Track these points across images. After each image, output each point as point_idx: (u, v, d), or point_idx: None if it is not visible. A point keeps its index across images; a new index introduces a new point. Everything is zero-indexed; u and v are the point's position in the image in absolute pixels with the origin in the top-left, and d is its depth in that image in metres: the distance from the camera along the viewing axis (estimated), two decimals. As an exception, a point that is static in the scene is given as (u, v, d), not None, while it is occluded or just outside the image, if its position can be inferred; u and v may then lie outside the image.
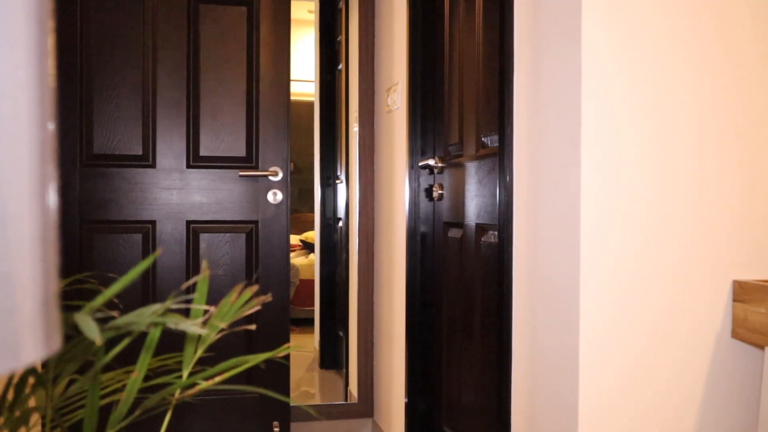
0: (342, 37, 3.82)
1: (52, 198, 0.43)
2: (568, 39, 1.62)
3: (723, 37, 1.63)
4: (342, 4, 3.77)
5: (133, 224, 2.95)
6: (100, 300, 0.62)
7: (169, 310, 0.71)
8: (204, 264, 0.81)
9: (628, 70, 1.58)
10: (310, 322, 5.31)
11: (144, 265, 0.61)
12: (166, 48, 2.97)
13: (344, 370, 3.84)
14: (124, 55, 2.94)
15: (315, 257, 4.76)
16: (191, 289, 2.77)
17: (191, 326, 0.67)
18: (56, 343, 0.43)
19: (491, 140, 2.40)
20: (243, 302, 0.87)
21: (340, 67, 4.06)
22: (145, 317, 0.66)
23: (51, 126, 0.43)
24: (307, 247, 6.36)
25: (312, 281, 5.36)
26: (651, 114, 1.59)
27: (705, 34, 1.62)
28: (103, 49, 2.93)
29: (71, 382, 0.93)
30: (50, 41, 0.45)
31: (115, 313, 0.66)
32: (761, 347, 1.58)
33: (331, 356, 4.49)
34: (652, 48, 1.59)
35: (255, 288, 0.88)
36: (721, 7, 1.63)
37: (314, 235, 4.87)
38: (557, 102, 1.67)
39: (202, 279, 0.78)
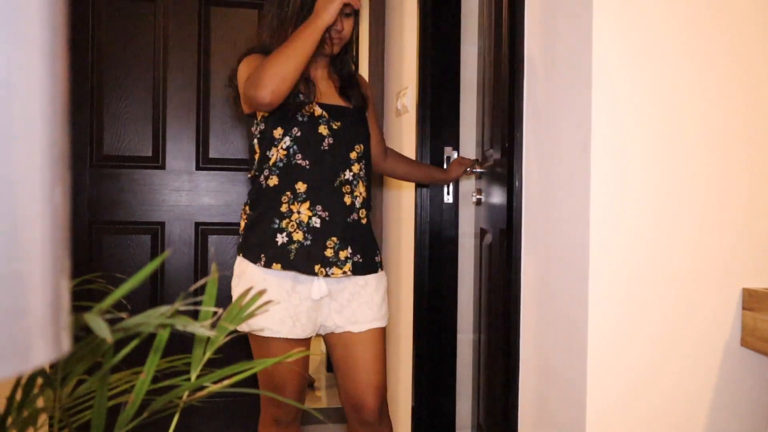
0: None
1: (64, 199, 0.43)
2: (579, 46, 1.62)
3: (734, 47, 1.63)
4: (352, 8, 3.77)
5: (142, 225, 2.96)
6: (109, 300, 0.62)
7: (178, 312, 0.72)
8: (213, 266, 0.81)
9: (638, 79, 1.57)
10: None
11: (152, 266, 0.61)
12: (176, 50, 2.98)
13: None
14: (134, 56, 2.95)
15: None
16: (200, 291, 2.78)
17: (200, 329, 0.67)
18: (66, 345, 0.43)
19: (501, 147, 2.40)
20: (251, 305, 0.87)
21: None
22: (153, 318, 0.66)
23: (63, 127, 0.43)
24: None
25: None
26: (660, 122, 1.59)
27: (716, 45, 1.62)
28: (114, 50, 2.94)
29: (80, 382, 0.93)
30: (63, 42, 0.45)
31: (124, 315, 0.66)
32: (771, 356, 1.57)
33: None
34: (663, 58, 1.59)
35: (264, 291, 0.88)
36: (733, 18, 1.62)
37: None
38: (567, 110, 1.67)
39: (211, 281, 0.78)
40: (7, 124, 0.39)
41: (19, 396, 0.74)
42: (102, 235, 2.93)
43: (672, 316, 1.60)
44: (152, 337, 0.80)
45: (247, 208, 2.07)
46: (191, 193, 2.99)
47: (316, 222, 1.96)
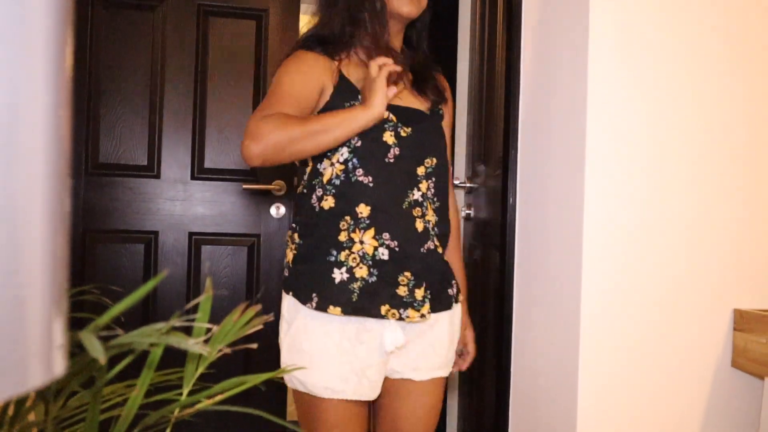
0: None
1: (65, 221, 0.43)
2: (575, 67, 1.63)
3: (729, 70, 1.64)
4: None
5: (136, 234, 2.96)
6: (104, 318, 0.62)
7: (172, 328, 0.72)
8: (208, 282, 0.81)
9: (633, 101, 1.59)
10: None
11: (148, 287, 0.61)
12: (174, 59, 2.99)
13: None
14: (132, 65, 2.96)
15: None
16: (194, 299, 2.77)
17: (194, 346, 0.68)
18: (63, 365, 0.43)
19: (493, 162, 2.41)
20: (245, 322, 0.87)
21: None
22: (147, 336, 0.67)
23: (66, 149, 0.43)
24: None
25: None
26: (653, 144, 1.60)
27: (713, 68, 1.63)
28: (112, 58, 2.94)
29: (72, 394, 0.93)
30: (69, 63, 0.45)
31: (119, 331, 0.66)
32: (761, 377, 1.58)
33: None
34: (658, 80, 1.60)
35: (258, 307, 0.88)
36: (732, 44, 1.64)
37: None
38: (562, 130, 1.68)
39: (206, 298, 0.79)
40: (12, 147, 0.39)
41: (11, 411, 0.74)
42: (95, 243, 2.93)
43: (663, 336, 1.60)
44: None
45: (295, 235, 1.66)
46: (186, 202, 2.99)
47: (384, 254, 1.56)
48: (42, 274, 0.40)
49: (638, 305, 1.59)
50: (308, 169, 1.66)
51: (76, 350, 0.63)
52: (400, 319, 1.55)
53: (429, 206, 1.65)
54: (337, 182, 1.58)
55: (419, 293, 1.58)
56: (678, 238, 1.60)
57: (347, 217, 1.56)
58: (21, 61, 0.42)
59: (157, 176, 2.98)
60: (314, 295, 1.55)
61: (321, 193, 1.60)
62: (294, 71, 1.60)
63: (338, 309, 1.53)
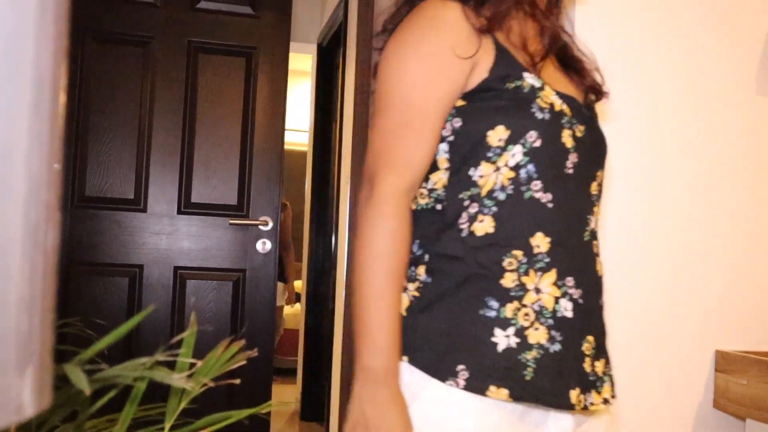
0: (338, 89, 3.88)
1: (54, 255, 0.44)
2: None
3: (722, 105, 1.67)
4: (339, 57, 3.83)
5: (121, 268, 2.95)
6: (89, 352, 0.63)
7: (157, 362, 0.72)
8: (192, 317, 0.82)
9: (618, 140, 1.61)
10: (292, 372, 5.27)
11: (133, 322, 0.62)
12: (163, 95, 3.01)
13: (325, 423, 3.79)
14: (121, 99, 2.98)
15: (301, 307, 4.75)
16: (178, 333, 2.75)
17: (177, 380, 0.68)
18: (48, 399, 0.43)
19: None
20: (229, 357, 0.88)
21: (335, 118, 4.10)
22: (131, 371, 0.67)
23: (57, 187, 0.44)
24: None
25: (296, 331, 5.33)
26: (640, 185, 1.62)
27: (702, 96, 1.66)
28: (102, 92, 2.96)
29: (52, 428, 0.92)
30: (63, 86, 0.46)
31: (103, 366, 0.67)
32: (743, 419, 1.59)
33: (313, 408, 4.44)
34: (645, 118, 1.63)
35: (242, 343, 0.89)
36: (724, 72, 1.67)
37: (301, 284, 4.86)
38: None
39: (190, 334, 0.79)
40: (2, 181, 0.40)
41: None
42: (80, 276, 2.92)
43: (646, 376, 1.61)
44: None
45: (420, 269, 1.08)
46: (171, 236, 2.99)
47: (567, 308, 1.04)
48: (29, 305, 0.40)
49: (622, 345, 1.59)
50: (445, 176, 1.08)
51: (59, 383, 0.63)
52: (585, 407, 1.05)
53: (597, 238, 1.15)
54: (503, 196, 1.04)
55: (599, 366, 1.10)
56: (662, 279, 1.62)
57: (516, 252, 1.03)
58: (15, 96, 0.43)
59: (144, 210, 2.98)
60: (461, 367, 1.00)
61: (476, 210, 1.04)
62: (424, 64, 1.05)
63: (504, 391, 0.99)
